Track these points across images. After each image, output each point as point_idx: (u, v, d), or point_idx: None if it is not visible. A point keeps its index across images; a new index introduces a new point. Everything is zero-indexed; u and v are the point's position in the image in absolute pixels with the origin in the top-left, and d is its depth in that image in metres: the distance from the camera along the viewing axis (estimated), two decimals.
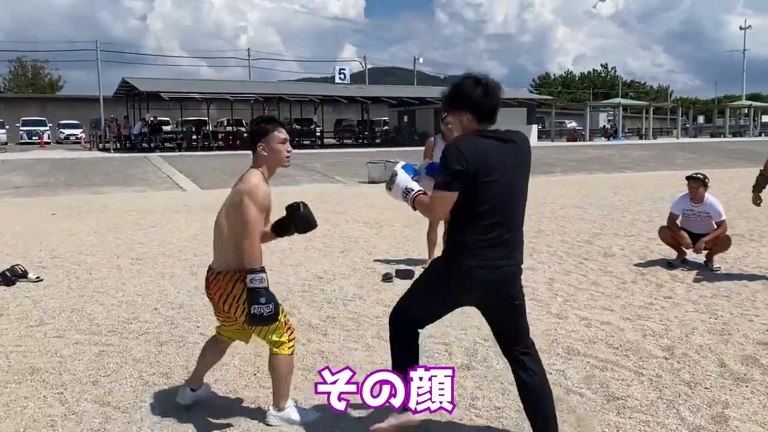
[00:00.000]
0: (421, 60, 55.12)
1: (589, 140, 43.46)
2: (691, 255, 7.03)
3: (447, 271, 2.90)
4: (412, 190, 3.04)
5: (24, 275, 6.63)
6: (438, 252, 7.16)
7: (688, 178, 6.97)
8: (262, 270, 3.08)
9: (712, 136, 51.04)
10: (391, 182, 3.14)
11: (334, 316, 5.24)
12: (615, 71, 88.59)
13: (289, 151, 3.26)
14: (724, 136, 49.49)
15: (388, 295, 5.87)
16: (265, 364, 3.62)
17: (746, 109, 55.95)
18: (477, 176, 2.72)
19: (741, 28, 68.66)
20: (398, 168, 3.14)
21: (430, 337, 4.65)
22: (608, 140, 44.30)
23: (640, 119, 53.59)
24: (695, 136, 50.89)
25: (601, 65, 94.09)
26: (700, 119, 61.52)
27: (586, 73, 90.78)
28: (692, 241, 6.81)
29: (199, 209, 12.78)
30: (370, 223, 10.60)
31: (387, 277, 6.48)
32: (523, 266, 3.03)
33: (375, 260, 7.47)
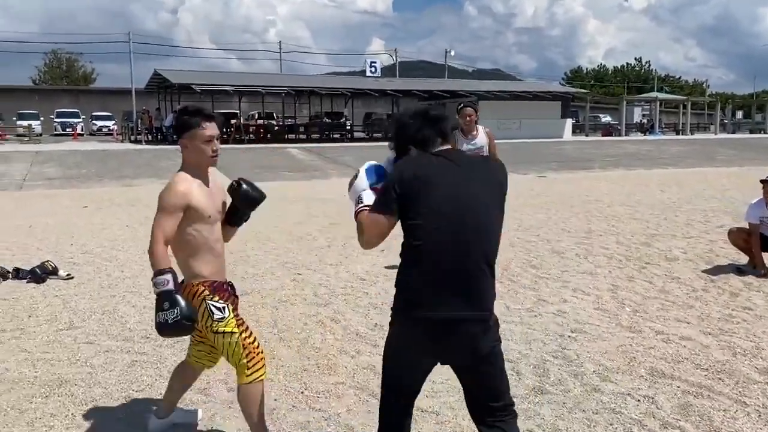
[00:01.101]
0: (452, 53, 54.26)
1: (625, 135, 42.38)
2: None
3: (391, 318, 2.44)
4: (361, 202, 2.43)
5: (54, 272, 6.34)
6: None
7: (763, 181, 6.37)
8: (165, 271, 2.62)
9: (751, 132, 49.42)
10: (350, 184, 2.53)
11: (383, 324, 4.81)
12: (649, 65, 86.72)
13: (215, 151, 2.86)
14: (765, 132, 47.89)
15: None
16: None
17: None
18: (410, 199, 2.27)
19: None
20: (362, 169, 2.53)
21: None
22: (644, 135, 43.14)
23: (676, 114, 52.16)
24: (734, 132, 49.35)
25: (635, 59, 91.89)
26: (739, 114, 59.71)
27: (619, 66, 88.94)
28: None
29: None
30: None
31: None
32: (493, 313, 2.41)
33: None
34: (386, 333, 4.31)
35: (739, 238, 6.53)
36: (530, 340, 4.42)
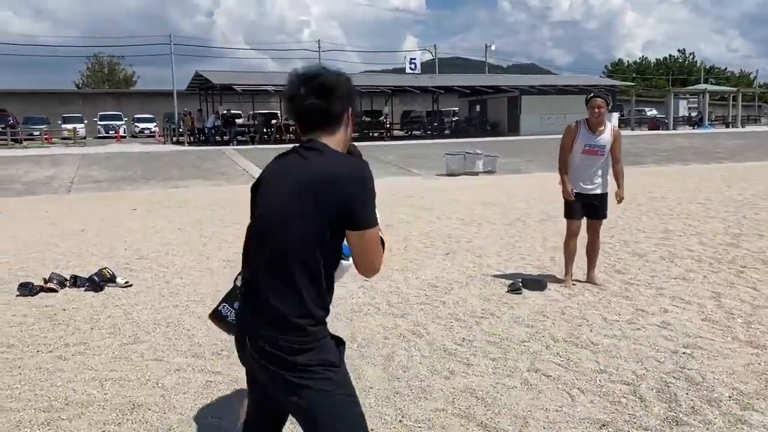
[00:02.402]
0: (493, 47, 53.34)
1: (673, 129, 41.05)
2: None
3: None
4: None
5: (112, 279, 6.09)
6: (577, 265, 6.18)
7: None
8: None
9: None
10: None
11: (471, 338, 4.40)
12: (693, 57, 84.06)
13: None
14: None
15: (524, 312, 4.99)
16: None
17: None
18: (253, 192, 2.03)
19: None
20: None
21: (602, 372, 3.75)
22: (693, 129, 41.73)
23: (723, 106, 50.41)
24: None
25: (678, 51, 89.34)
26: None
27: (661, 59, 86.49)
28: None
29: None
30: (465, 220, 9.72)
31: (514, 288, 5.59)
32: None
33: (488, 265, 6.60)
34: (476, 349, 3.88)
35: None
36: (641, 358, 3.95)
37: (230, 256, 7.29)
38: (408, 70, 37.97)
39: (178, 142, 32.22)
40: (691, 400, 3.34)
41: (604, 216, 5.83)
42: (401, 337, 4.46)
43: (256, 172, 20.21)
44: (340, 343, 1.99)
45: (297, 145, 2.00)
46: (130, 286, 6.03)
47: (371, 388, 3.61)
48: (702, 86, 49.36)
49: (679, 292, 5.43)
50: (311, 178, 1.87)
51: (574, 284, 5.72)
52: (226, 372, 3.88)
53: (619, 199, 5.80)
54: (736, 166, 19.88)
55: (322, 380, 1.84)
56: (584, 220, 5.80)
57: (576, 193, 5.65)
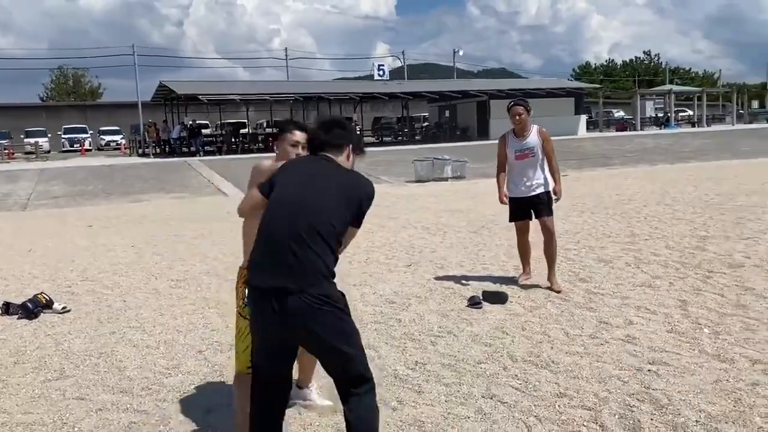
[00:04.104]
0: (461, 53, 53.51)
1: (640, 130, 41.44)
2: None
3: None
4: None
5: (49, 305, 5.69)
6: (534, 263, 6.08)
7: None
8: None
9: None
10: None
11: (424, 361, 4.11)
12: (658, 58, 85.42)
13: (297, 155, 3.07)
14: None
15: (483, 328, 4.72)
16: None
17: None
18: (275, 184, 2.68)
19: None
20: None
21: (562, 396, 3.48)
22: (660, 129, 42.19)
23: (689, 106, 51.12)
24: (750, 123, 48.20)
25: (644, 52, 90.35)
26: (754, 104, 58.44)
27: (628, 60, 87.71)
28: None
29: None
30: (430, 228, 9.47)
31: (474, 303, 5.33)
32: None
33: (450, 277, 6.34)
34: (428, 374, 3.65)
35: None
36: (604, 378, 3.70)
37: (180, 276, 6.93)
38: (376, 77, 37.77)
39: (143, 154, 31.58)
40: (656, 427, 3.08)
41: (549, 213, 5.79)
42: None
43: (222, 183, 19.81)
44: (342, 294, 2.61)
45: (321, 154, 2.73)
46: (68, 311, 5.64)
47: (309, 425, 3.30)
48: (668, 87, 50.02)
49: (644, 301, 5.21)
50: (348, 180, 2.64)
51: (528, 278, 5.94)
52: (153, 411, 3.53)
53: (557, 196, 5.83)
54: (702, 165, 19.96)
55: (339, 310, 2.51)
56: (534, 222, 5.89)
57: (520, 198, 5.79)
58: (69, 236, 10.16)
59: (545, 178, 5.76)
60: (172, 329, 5.02)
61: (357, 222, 2.64)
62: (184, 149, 30.65)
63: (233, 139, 33.23)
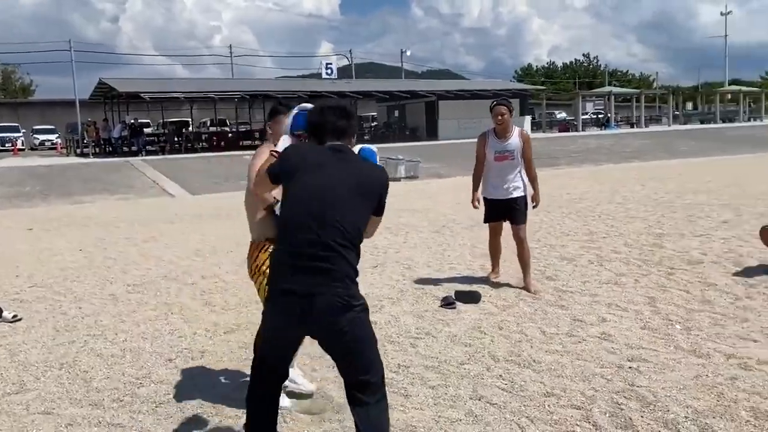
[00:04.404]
0: (408, 53, 53.76)
1: (582, 130, 42.54)
2: None
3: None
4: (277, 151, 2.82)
5: None
6: (503, 264, 6.10)
7: None
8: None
9: (702, 122, 50.35)
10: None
11: (407, 364, 4.04)
12: (597, 61, 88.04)
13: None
14: (714, 123, 48.86)
15: (461, 328, 4.69)
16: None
17: (729, 95, 55.30)
18: (289, 174, 2.61)
19: (722, 14, 68.46)
20: (293, 111, 2.99)
21: (549, 396, 3.47)
22: (601, 130, 43.40)
23: (628, 108, 52.82)
24: (685, 123, 50.17)
25: (583, 55, 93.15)
26: (688, 106, 60.88)
27: (568, 63, 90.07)
28: None
29: (193, 218, 11.50)
30: (391, 228, 9.39)
31: (448, 303, 5.29)
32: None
33: (419, 277, 6.29)
34: (413, 376, 3.61)
35: None
36: (588, 376, 3.71)
37: (136, 280, 6.65)
38: (324, 75, 37.48)
39: (82, 154, 30.38)
40: (648, 423, 3.10)
41: (522, 221, 5.75)
42: (330, 368, 4.04)
43: (167, 183, 19.24)
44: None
45: (331, 144, 2.66)
46: (20, 320, 5.31)
47: (311, 423, 3.18)
48: (607, 89, 51.53)
49: (613, 298, 5.29)
50: (363, 173, 2.61)
51: (497, 276, 6.00)
52: (129, 424, 3.34)
53: (535, 203, 5.82)
54: (644, 165, 20.61)
55: (362, 312, 2.54)
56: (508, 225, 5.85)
57: (495, 199, 5.75)
58: (8, 241, 9.64)
59: (523, 182, 5.72)
60: (137, 336, 4.79)
61: (379, 211, 2.67)
62: (125, 149, 29.66)
63: (176, 138, 32.37)
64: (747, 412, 3.17)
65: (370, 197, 2.60)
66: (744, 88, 56.40)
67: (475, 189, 5.84)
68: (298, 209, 2.52)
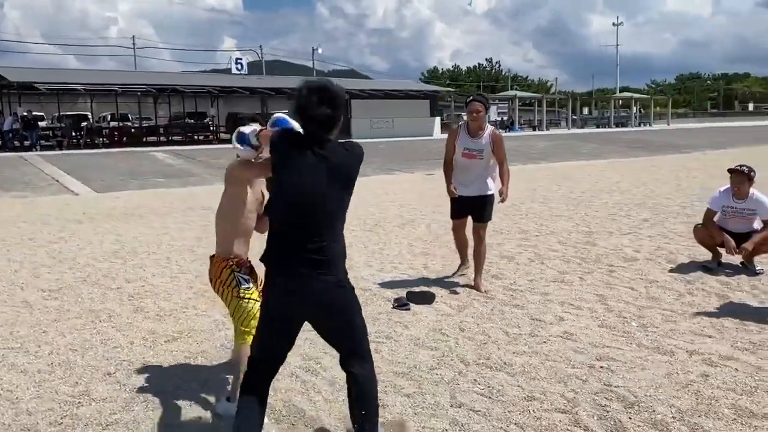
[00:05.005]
0: (320, 50, 53.25)
1: None
2: (726, 257, 6.21)
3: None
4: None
5: None
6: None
7: (730, 171, 6.12)
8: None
9: (597, 126, 53.09)
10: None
11: (377, 371, 3.81)
12: (499, 65, 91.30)
13: None
14: (609, 127, 51.64)
15: (421, 331, 4.52)
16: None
17: (621, 101, 58.75)
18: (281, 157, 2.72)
19: (614, 24, 72.72)
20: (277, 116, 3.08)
21: (531, 400, 3.36)
22: (506, 132, 44.81)
23: (530, 111, 54.88)
24: (582, 127, 52.73)
25: (486, 59, 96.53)
26: (585, 111, 64.09)
27: (472, 67, 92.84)
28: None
29: (104, 217, 10.68)
30: None
31: (401, 304, 5.12)
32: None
33: (363, 278, 6.07)
34: (385, 384, 3.41)
35: (706, 236, 6.23)
36: (563, 378, 3.64)
37: (52, 285, 6.03)
38: (234, 71, 36.41)
39: None
40: (638, 425, 3.04)
41: (486, 219, 5.71)
42: (293, 377, 3.76)
43: (68, 180, 17.93)
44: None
45: (312, 140, 2.67)
46: None
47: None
48: (512, 92, 53.29)
49: (564, 296, 5.30)
50: (344, 161, 2.68)
51: (467, 268, 5.95)
52: None
53: (503, 198, 5.64)
54: (552, 166, 21.31)
55: (350, 290, 2.79)
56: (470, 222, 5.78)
57: (465, 197, 5.60)
58: None
59: (489, 181, 5.62)
60: (64, 348, 4.28)
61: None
62: (17, 143, 27.50)
63: (74, 133, 30.40)
64: (729, 410, 3.19)
65: (349, 183, 2.72)
66: (635, 95, 60.04)
67: (448, 179, 5.65)
68: (288, 205, 2.67)
